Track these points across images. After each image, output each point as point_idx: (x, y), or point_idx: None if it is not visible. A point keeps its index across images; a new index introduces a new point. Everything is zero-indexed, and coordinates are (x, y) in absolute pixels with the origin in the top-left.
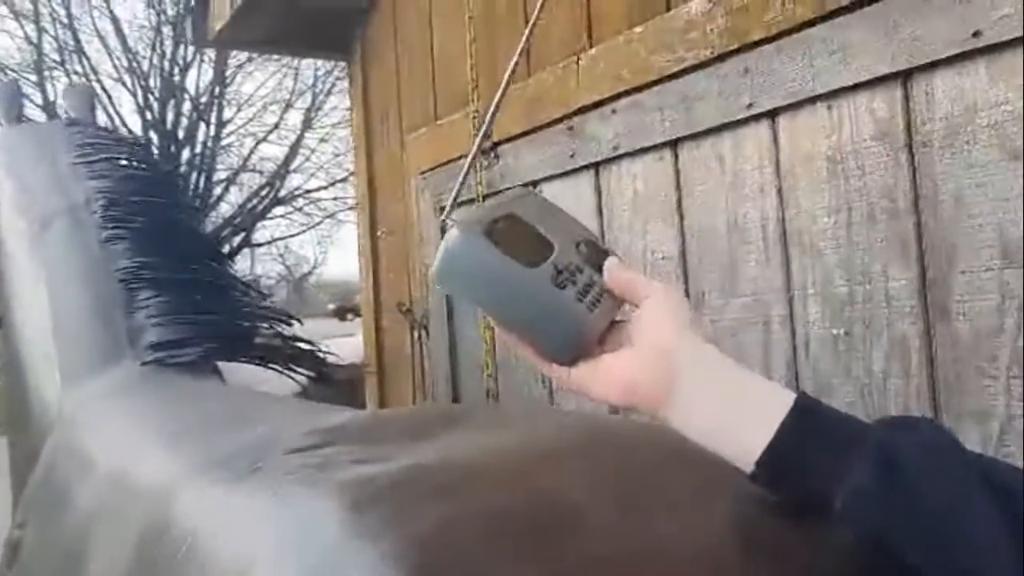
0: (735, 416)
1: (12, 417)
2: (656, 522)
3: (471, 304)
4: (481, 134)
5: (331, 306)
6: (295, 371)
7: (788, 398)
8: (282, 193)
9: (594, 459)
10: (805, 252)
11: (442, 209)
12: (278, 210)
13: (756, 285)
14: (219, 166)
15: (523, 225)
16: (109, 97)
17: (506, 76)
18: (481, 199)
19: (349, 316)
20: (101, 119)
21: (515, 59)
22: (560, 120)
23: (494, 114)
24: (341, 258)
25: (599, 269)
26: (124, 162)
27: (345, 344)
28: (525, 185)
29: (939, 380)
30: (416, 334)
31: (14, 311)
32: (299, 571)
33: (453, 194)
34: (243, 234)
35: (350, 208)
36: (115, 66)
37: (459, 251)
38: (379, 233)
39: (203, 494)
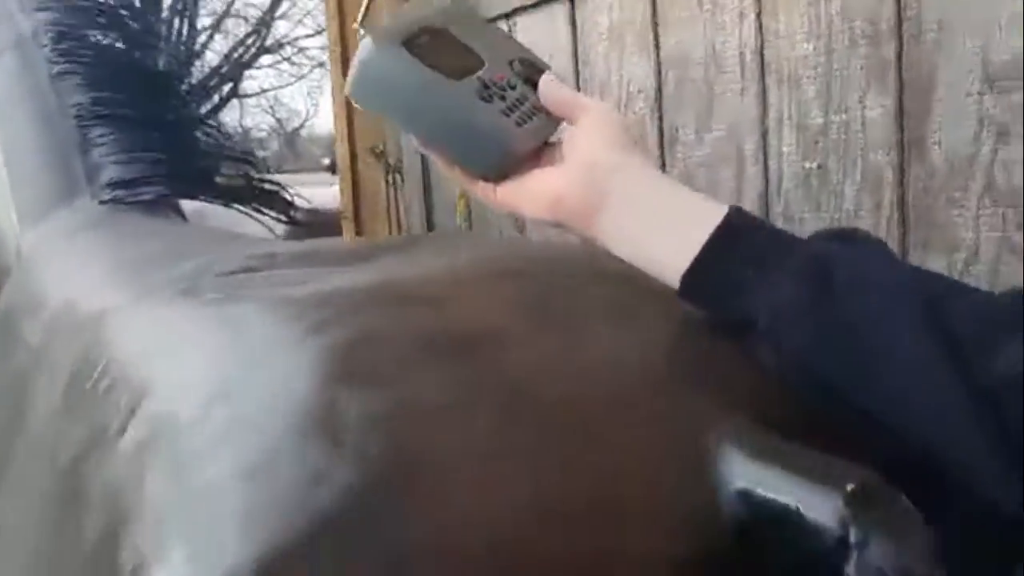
0: (664, 232)
1: None
2: (576, 336)
3: (389, 119)
4: None
5: (325, 160)
6: (263, 213)
7: (720, 213)
8: (269, 41)
9: (523, 280)
10: (782, 82)
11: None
12: (265, 59)
13: (731, 118)
14: (202, 11)
15: (450, 39)
16: None
17: None
18: None
19: None
20: None
21: None
22: None
23: None
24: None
25: (533, 86)
26: None
27: (326, 192)
28: (495, 19)
29: (909, 212)
30: (390, 179)
31: None
32: (210, 383)
33: (365, 1)
34: (231, 84)
35: None
36: None
37: (372, 62)
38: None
39: (127, 317)
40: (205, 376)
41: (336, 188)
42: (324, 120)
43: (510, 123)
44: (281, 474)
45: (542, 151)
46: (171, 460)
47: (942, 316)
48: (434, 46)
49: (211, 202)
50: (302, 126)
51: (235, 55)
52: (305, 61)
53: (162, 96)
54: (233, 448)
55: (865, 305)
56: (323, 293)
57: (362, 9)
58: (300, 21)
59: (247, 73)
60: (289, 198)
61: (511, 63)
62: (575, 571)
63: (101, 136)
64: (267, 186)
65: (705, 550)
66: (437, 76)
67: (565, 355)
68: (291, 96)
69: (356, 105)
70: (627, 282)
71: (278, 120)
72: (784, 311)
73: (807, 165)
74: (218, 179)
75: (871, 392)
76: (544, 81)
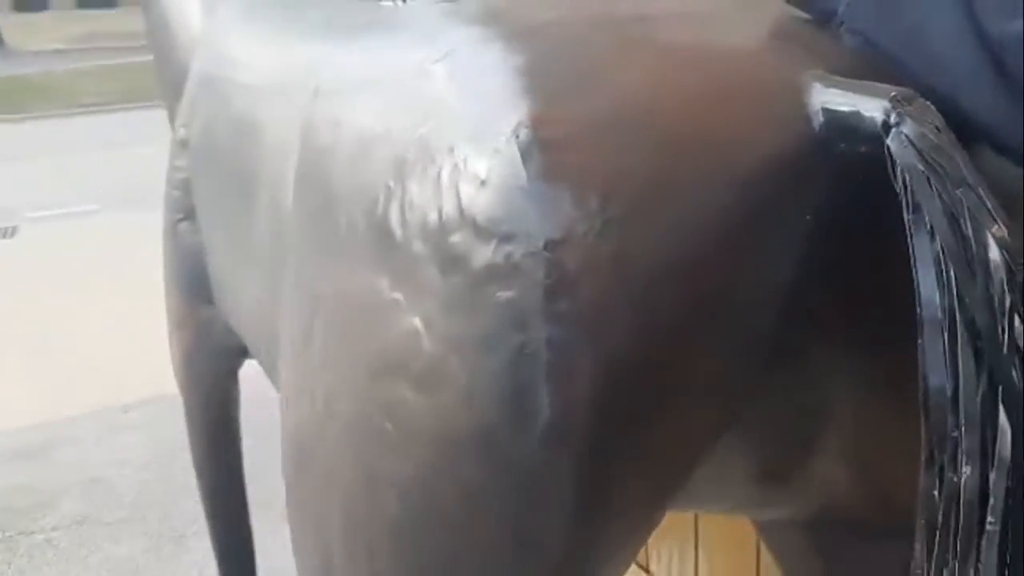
0: None
1: (164, 83)
2: (703, 24)
3: None
4: None
5: None
6: None
7: None
8: None
9: None
10: None
11: None
12: None
13: None
14: None
15: None
16: None
17: None
18: None
19: None
20: None
21: None
22: None
23: None
24: None
25: None
26: None
27: None
28: None
29: None
30: None
31: None
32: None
33: None
34: None
35: None
36: None
37: None
38: None
39: (346, 53)
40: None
41: None
42: None
43: None
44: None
45: None
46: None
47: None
48: None
49: None
50: None
51: None
52: None
53: None
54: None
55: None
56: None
57: None
58: None
59: None
60: None
61: None
62: (709, 142)
63: None
64: None
65: (798, 140)
66: None
67: (700, 27)
68: None
69: None
70: None
71: None
72: (855, 5)
73: None
74: None
75: (914, 55)
76: None
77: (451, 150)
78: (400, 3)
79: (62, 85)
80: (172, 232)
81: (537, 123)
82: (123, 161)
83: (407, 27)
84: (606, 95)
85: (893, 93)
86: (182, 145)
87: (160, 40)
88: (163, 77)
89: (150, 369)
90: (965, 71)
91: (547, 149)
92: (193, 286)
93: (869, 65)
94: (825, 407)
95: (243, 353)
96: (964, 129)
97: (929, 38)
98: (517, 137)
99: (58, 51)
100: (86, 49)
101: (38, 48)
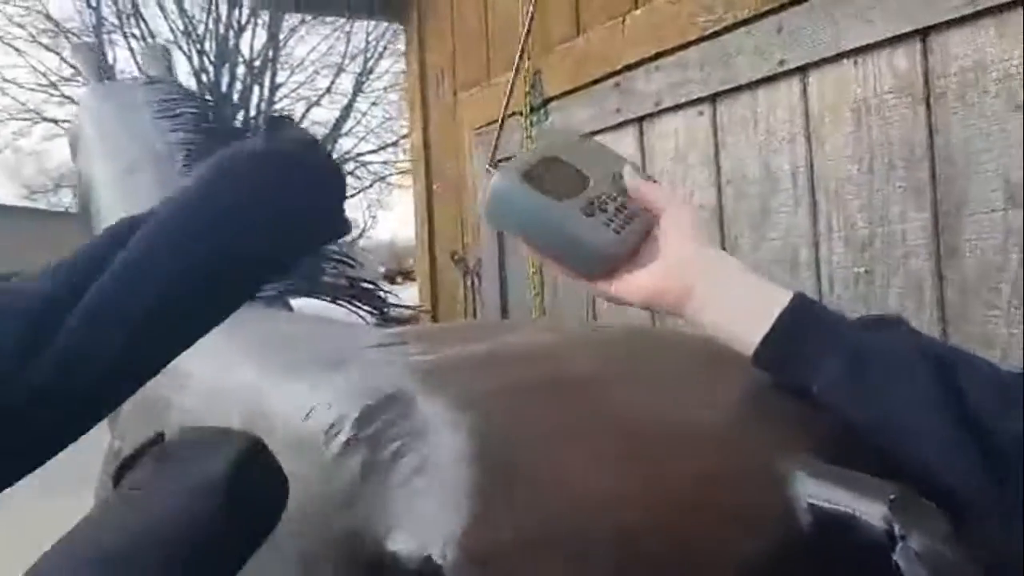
0: (742, 312)
1: None
2: (666, 385)
3: (514, 236)
4: (518, 57)
5: (381, 269)
6: (360, 308)
7: (786, 297)
8: (333, 156)
9: (614, 348)
10: (830, 198)
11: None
12: None
13: (786, 229)
14: None
15: (562, 164)
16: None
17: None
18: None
19: (399, 279)
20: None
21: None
22: (607, 77)
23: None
24: (391, 221)
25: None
26: (200, 117)
27: (399, 295)
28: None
29: (948, 311)
30: (469, 281)
31: None
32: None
33: (495, 141)
34: None
35: (400, 172)
36: (171, 29)
37: (499, 193)
38: (435, 188)
39: (289, 383)
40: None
41: (408, 294)
42: (381, 231)
43: (610, 232)
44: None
45: (644, 242)
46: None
47: (954, 382)
48: (548, 174)
49: (317, 298)
50: (361, 235)
51: None
52: (366, 174)
53: None
54: (404, 457)
55: (888, 379)
56: (452, 356)
57: (492, 151)
58: (363, 138)
59: None
60: (383, 295)
61: (613, 176)
62: (680, 553)
63: None
64: (364, 285)
65: (783, 545)
66: (549, 201)
67: (662, 394)
68: (351, 207)
69: (489, 226)
70: (708, 350)
71: None
72: (831, 381)
73: (856, 270)
74: (325, 278)
75: (891, 440)
76: (630, 184)
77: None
78: (367, 326)
79: None
80: None
81: (466, 541)
82: None
83: (344, 368)
84: (552, 501)
85: (893, 496)
86: (116, 457)
87: None
88: None
89: None
90: (960, 480)
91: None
92: None
93: (851, 444)
94: None
95: None
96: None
97: (918, 446)
98: (444, 557)
99: None
100: None
101: None
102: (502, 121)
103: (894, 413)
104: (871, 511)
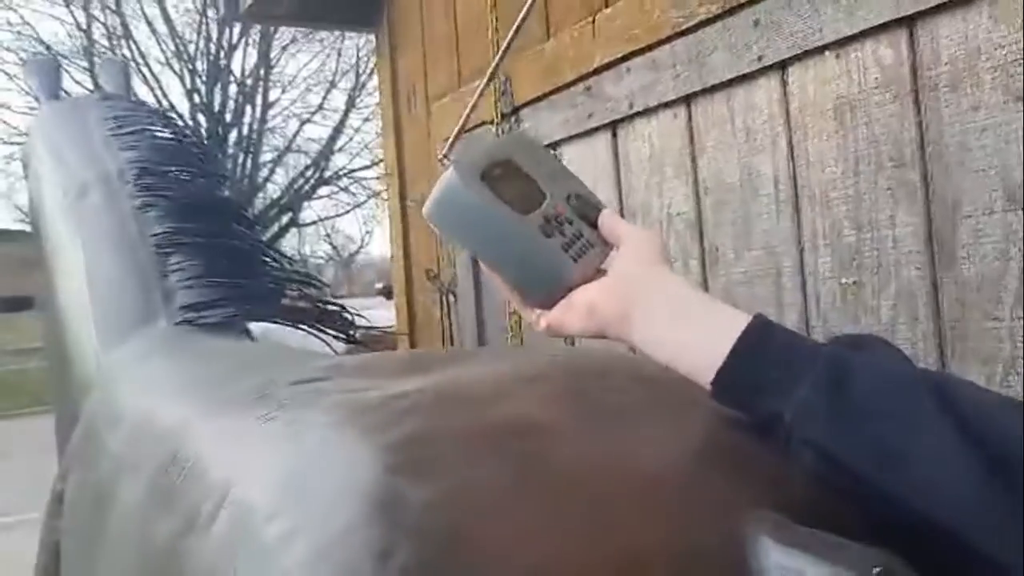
0: (694, 337)
1: (55, 386)
2: (617, 432)
3: (459, 243)
4: (494, 64)
5: (378, 285)
6: (325, 332)
7: (744, 320)
8: (327, 173)
9: (566, 383)
10: (815, 203)
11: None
12: (324, 190)
13: (768, 238)
14: (265, 147)
15: (519, 172)
16: (158, 81)
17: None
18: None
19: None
20: (151, 103)
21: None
22: (577, 81)
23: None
24: (386, 237)
25: (587, 221)
26: (155, 133)
27: (381, 315)
28: (547, 147)
29: (945, 324)
30: (444, 300)
31: (54, 279)
32: (279, 477)
33: (453, 134)
34: (290, 214)
35: None
36: (163, 51)
37: (454, 191)
38: (408, 202)
39: (206, 424)
40: (280, 473)
41: (383, 311)
42: (378, 246)
43: (567, 258)
44: (350, 556)
45: (593, 277)
46: (256, 547)
47: (950, 400)
48: (505, 179)
49: (277, 323)
50: (358, 251)
51: (295, 186)
52: (361, 191)
53: (232, 226)
54: (306, 536)
55: (880, 402)
56: (385, 396)
57: (449, 141)
58: (357, 154)
59: (305, 204)
60: (350, 318)
61: (568, 198)
62: None
63: (177, 263)
64: (329, 307)
65: None
66: (507, 211)
67: (604, 447)
68: (346, 224)
69: (431, 226)
70: (663, 383)
71: (334, 247)
72: (807, 410)
73: (843, 281)
74: (284, 301)
75: (894, 479)
76: (603, 217)
77: None
78: (310, 354)
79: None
80: None
81: None
82: None
83: (278, 419)
84: None
85: (878, 569)
86: (58, 501)
87: (56, 360)
88: (58, 413)
89: None
90: (965, 497)
91: None
92: None
93: (829, 496)
94: None
95: None
96: (968, 564)
97: (913, 462)
98: None
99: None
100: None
101: (16, 347)
102: (459, 131)
103: (886, 435)
104: None
